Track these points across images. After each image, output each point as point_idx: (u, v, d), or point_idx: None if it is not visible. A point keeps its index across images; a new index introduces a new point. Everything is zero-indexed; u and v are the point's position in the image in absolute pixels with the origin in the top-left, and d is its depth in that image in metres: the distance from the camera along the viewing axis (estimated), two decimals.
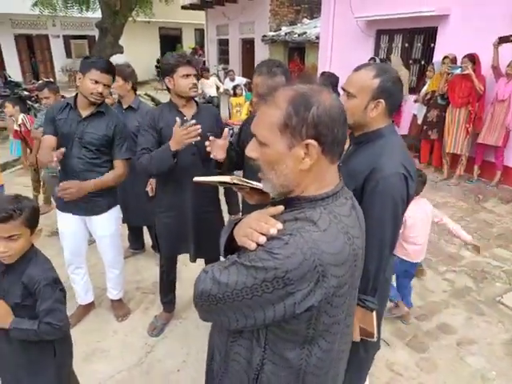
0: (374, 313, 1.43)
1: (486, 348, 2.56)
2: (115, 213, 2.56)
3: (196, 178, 1.40)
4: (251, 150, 0.94)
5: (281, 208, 0.91)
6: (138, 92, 3.24)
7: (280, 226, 0.85)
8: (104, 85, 2.23)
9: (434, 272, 3.45)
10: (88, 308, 2.80)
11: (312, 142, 0.85)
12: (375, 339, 1.50)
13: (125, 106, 3.06)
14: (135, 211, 3.20)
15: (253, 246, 0.85)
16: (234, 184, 1.24)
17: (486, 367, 2.40)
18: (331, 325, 0.92)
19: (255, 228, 0.87)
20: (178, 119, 2.03)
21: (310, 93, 0.87)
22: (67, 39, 17.20)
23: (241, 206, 2.33)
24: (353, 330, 1.14)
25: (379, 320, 1.57)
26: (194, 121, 2.03)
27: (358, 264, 0.93)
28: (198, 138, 2.03)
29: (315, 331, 0.90)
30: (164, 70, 2.19)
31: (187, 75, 2.13)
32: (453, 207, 4.91)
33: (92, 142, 2.31)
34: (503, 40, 4.63)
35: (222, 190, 2.49)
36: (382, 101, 1.37)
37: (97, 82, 2.20)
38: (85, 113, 2.32)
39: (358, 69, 1.44)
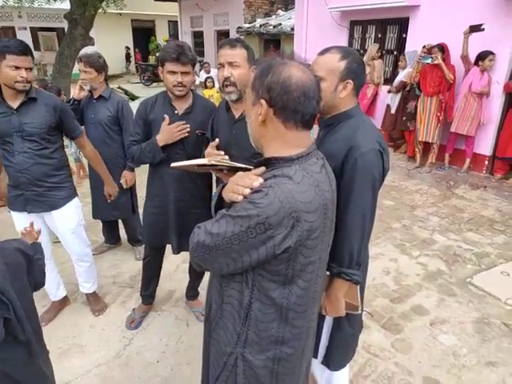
0: (358, 286, 1.46)
1: (458, 327, 2.66)
2: (75, 204, 2.46)
3: (173, 164, 1.42)
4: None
5: (262, 169, 1.08)
6: (111, 86, 3.17)
7: (261, 180, 1.02)
8: (26, 69, 2.03)
9: (408, 256, 3.55)
10: (62, 303, 2.73)
11: (263, 101, 1.04)
12: (359, 311, 1.55)
13: (95, 96, 3.00)
14: (107, 205, 3.15)
15: (240, 198, 1.01)
16: (212, 165, 1.24)
17: (457, 345, 2.50)
18: (307, 265, 1.07)
19: (240, 184, 1.03)
20: (166, 116, 2.11)
21: (274, 63, 1.06)
22: (35, 31, 16.60)
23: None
24: (325, 273, 1.26)
25: (362, 294, 1.61)
26: (182, 122, 2.12)
27: (328, 214, 1.08)
28: (187, 134, 2.14)
29: (293, 271, 1.05)
30: (158, 60, 2.14)
31: (173, 72, 2.04)
32: (425, 194, 5.05)
33: (35, 132, 2.16)
34: (473, 29, 4.70)
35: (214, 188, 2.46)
36: (350, 81, 1.42)
37: (17, 68, 2.00)
38: (15, 103, 2.13)
39: (322, 53, 1.47)
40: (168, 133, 2.12)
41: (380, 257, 3.53)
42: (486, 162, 5.40)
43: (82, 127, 2.72)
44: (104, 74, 2.98)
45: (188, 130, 2.13)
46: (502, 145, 5.10)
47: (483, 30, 4.61)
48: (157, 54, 16.52)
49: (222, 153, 1.71)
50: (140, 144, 2.20)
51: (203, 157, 1.93)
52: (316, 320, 1.28)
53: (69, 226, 2.43)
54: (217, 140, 1.80)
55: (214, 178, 2.19)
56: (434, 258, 3.52)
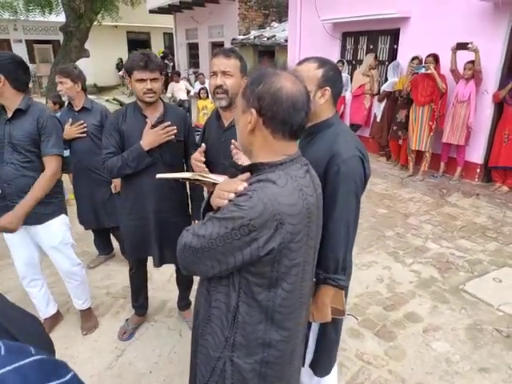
0: (343, 291, 1.48)
1: (450, 333, 2.67)
2: (60, 222, 2.37)
3: (159, 175, 1.47)
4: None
5: (247, 174, 1.12)
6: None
7: (245, 184, 1.06)
8: None
9: (401, 264, 3.56)
10: (54, 320, 2.68)
11: (253, 110, 1.06)
12: (345, 316, 1.56)
13: (78, 108, 3.01)
14: (100, 213, 3.16)
15: (225, 202, 1.05)
16: (196, 180, 1.28)
17: (450, 351, 2.50)
18: (291, 267, 1.09)
19: (226, 189, 1.07)
20: (148, 120, 2.12)
21: (266, 73, 1.08)
22: (30, 44, 16.70)
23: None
24: (313, 277, 1.28)
25: (345, 297, 1.62)
26: (168, 123, 2.11)
27: (312, 218, 1.11)
28: (173, 137, 2.13)
29: (278, 273, 1.07)
30: (125, 70, 2.14)
31: (142, 80, 2.05)
32: (418, 202, 5.09)
33: (19, 143, 2.14)
34: (460, 46, 4.83)
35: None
36: (328, 88, 1.47)
37: None
38: (10, 114, 2.15)
39: (300, 63, 1.52)
40: (153, 135, 2.09)
41: (373, 265, 3.54)
42: (478, 170, 5.46)
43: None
44: (80, 83, 2.97)
45: (175, 131, 2.13)
46: (493, 154, 5.16)
47: (469, 49, 4.74)
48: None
49: (203, 159, 1.77)
50: (118, 155, 2.13)
51: (185, 165, 1.96)
52: (305, 324, 1.29)
53: (52, 243, 2.37)
54: (203, 146, 1.83)
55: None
56: (427, 266, 3.54)
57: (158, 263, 2.38)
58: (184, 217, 2.41)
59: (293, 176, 1.06)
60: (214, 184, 1.27)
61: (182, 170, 2.33)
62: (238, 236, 0.99)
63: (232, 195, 1.04)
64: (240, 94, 1.12)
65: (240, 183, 1.06)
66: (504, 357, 2.46)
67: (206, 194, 2.54)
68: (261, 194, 0.99)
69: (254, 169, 1.12)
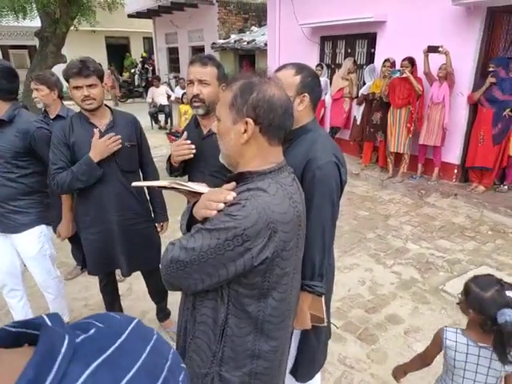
0: (323, 298, 1.47)
1: (431, 334, 2.66)
2: (38, 232, 2.30)
3: (134, 183, 1.44)
4: (213, 126, 1.14)
5: (233, 184, 1.09)
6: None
7: (234, 194, 1.03)
8: None
9: (382, 266, 3.60)
10: None
11: (249, 120, 1.03)
12: (325, 324, 1.55)
13: (52, 116, 2.94)
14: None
15: (214, 213, 1.01)
16: (173, 188, 1.26)
17: None
18: (282, 276, 1.08)
19: (213, 199, 1.03)
20: (95, 130, 2.05)
21: (256, 82, 1.06)
22: (5, 49, 16.34)
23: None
24: (299, 285, 1.27)
25: (327, 305, 1.62)
26: (113, 133, 2.06)
27: (301, 225, 1.12)
28: (120, 146, 2.08)
29: (269, 283, 1.06)
30: (64, 78, 2.05)
31: (78, 87, 1.99)
32: (398, 203, 5.16)
33: (1, 154, 2.10)
34: (431, 49, 4.96)
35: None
36: (306, 94, 1.48)
37: None
38: None
39: (278, 70, 1.52)
40: (101, 146, 2.03)
41: (355, 267, 3.57)
42: (455, 171, 5.57)
43: None
44: (57, 91, 2.92)
45: (120, 140, 2.08)
46: (470, 155, 5.27)
47: (440, 52, 4.85)
48: (131, 71, 16.45)
49: (189, 142, 1.75)
50: (67, 170, 2.05)
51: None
52: (291, 332, 1.28)
53: (28, 254, 2.32)
54: (185, 134, 1.83)
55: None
56: (408, 267, 3.58)
57: (127, 273, 2.34)
58: (147, 222, 2.37)
59: (282, 184, 1.06)
60: (191, 192, 1.25)
61: (139, 176, 2.30)
62: (231, 247, 0.97)
63: (221, 205, 1.00)
64: (226, 105, 1.06)
65: (228, 193, 1.03)
66: None
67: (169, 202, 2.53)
68: (254, 203, 0.98)
69: (240, 178, 1.09)
